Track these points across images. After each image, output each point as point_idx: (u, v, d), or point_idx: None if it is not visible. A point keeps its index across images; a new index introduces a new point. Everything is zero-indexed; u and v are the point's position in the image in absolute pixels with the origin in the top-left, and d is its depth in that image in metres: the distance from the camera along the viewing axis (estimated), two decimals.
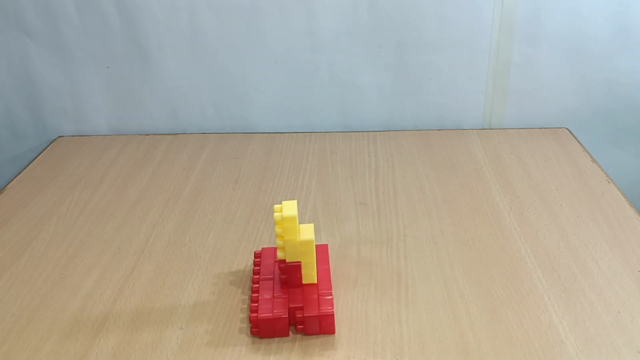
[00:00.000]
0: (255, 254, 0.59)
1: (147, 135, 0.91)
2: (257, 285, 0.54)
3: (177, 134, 0.91)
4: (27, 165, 0.83)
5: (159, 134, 0.91)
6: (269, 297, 0.52)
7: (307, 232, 0.51)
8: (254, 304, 0.52)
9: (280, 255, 0.52)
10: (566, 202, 0.70)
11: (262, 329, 0.50)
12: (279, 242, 0.51)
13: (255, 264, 0.57)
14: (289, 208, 0.50)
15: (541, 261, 0.60)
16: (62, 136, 0.92)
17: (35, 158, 0.85)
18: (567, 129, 0.88)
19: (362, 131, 0.89)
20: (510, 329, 0.51)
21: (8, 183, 0.78)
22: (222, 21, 0.83)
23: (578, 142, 0.84)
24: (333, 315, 0.50)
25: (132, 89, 0.89)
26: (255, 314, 0.50)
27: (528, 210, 0.68)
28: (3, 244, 0.66)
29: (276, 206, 0.51)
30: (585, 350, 0.49)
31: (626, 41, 0.83)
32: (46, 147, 0.89)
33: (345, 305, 0.54)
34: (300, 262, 0.52)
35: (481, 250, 0.62)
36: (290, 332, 0.51)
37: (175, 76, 0.87)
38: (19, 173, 0.81)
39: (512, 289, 0.56)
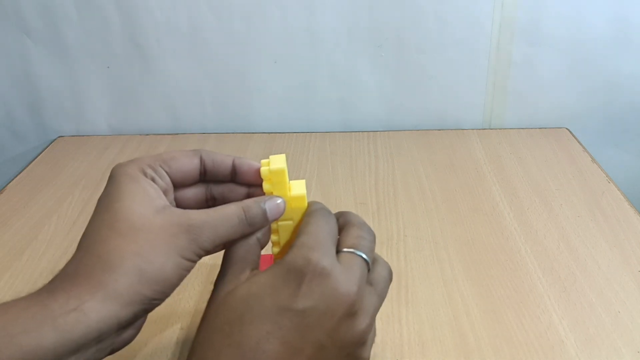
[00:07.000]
0: None
1: (147, 135, 0.91)
2: None
3: (177, 134, 0.91)
4: (27, 165, 0.83)
5: (159, 134, 0.91)
6: None
7: (298, 188, 0.44)
8: None
9: (275, 251, 0.51)
10: (566, 202, 0.70)
11: None
12: (273, 238, 0.50)
13: None
14: (277, 161, 0.42)
15: (541, 261, 0.60)
16: (62, 136, 0.92)
17: (35, 158, 0.85)
18: (567, 129, 0.88)
19: (362, 131, 0.89)
20: (510, 329, 0.51)
21: (8, 183, 0.78)
22: (222, 21, 0.83)
23: (578, 142, 0.84)
24: None
25: (132, 89, 0.89)
26: None
27: (528, 210, 0.68)
28: (3, 244, 0.66)
29: (263, 160, 0.42)
30: (585, 350, 0.49)
31: (626, 41, 0.83)
32: (46, 147, 0.89)
33: None
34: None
35: (481, 250, 0.61)
36: None
37: (175, 76, 0.87)
38: (19, 173, 0.81)
39: (512, 289, 0.56)
